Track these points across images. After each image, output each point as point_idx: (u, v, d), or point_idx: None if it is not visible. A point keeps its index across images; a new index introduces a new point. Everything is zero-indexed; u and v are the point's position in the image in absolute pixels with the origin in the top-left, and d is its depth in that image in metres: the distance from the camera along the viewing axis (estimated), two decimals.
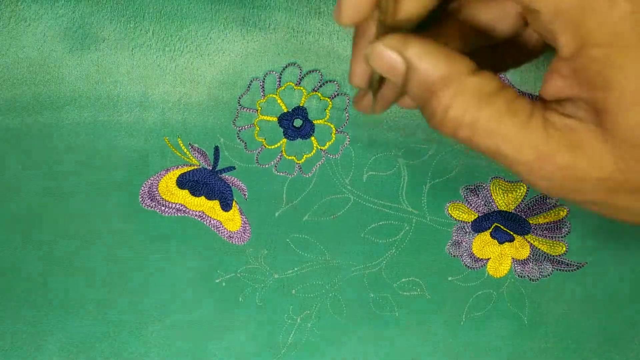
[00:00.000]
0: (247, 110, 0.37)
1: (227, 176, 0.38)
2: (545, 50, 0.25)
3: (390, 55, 0.21)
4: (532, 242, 0.40)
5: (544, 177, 0.21)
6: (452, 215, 0.39)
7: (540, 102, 0.22)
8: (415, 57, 0.21)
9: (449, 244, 0.39)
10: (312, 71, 0.36)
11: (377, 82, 0.24)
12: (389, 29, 0.21)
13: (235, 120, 0.37)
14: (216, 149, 0.37)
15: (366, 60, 0.22)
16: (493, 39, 0.24)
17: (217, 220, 0.38)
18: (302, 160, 0.37)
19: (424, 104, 0.22)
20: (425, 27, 0.23)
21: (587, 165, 0.21)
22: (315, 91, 0.36)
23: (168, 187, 0.38)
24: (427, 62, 0.21)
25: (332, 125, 0.37)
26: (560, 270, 0.40)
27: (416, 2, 0.21)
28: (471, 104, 0.21)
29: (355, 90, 0.29)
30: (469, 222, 0.39)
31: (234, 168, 0.37)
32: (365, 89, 0.24)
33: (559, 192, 0.22)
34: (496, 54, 0.25)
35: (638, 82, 0.20)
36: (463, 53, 0.22)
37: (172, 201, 0.38)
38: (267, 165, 0.38)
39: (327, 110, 0.36)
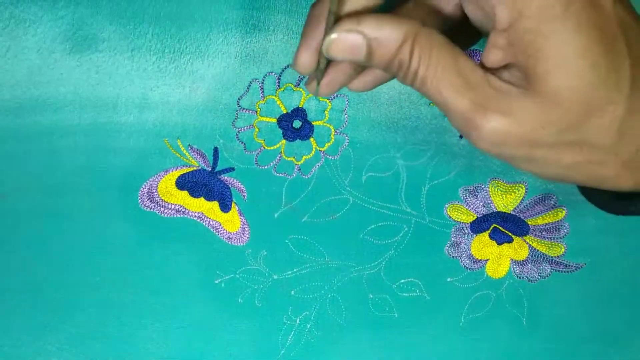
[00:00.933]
0: (247, 112, 0.37)
1: (226, 177, 0.38)
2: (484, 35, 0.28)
3: (349, 37, 0.24)
4: (530, 243, 0.40)
5: (476, 127, 0.24)
6: (451, 216, 0.39)
7: (481, 65, 0.24)
8: (374, 28, 0.23)
9: (448, 245, 0.39)
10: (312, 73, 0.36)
11: (322, 70, 0.26)
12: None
13: (234, 121, 0.37)
14: (215, 150, 0.37)
15: (325, 52, 0.24)
16: (442, 23, 0.27)
17: (217, 221, 0.38)
18: (302, 161, 0.37)
19: (390, 63, 0.24)
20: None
21: (515, 121, 0.23)
22: None
23: (167, 188, 0.38)
24: (386, 28, 0.23)
25: (331, 127, 0.37)
26: (558, 271, 0.40)
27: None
28: (424, 50, 0.23)
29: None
30: (467, 223, 0.39)
31: (233, 169, 0.38)
32: (314, 74, 0.27)
33: (487, 145, 0.24)
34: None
35: (562, 49, 0.22)
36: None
37: (172, 202, 0.38)
38: (266, 167, 0.38)
39: (326, 112, 0.36)
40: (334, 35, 0.24)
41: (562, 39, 0.22)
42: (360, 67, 0.27)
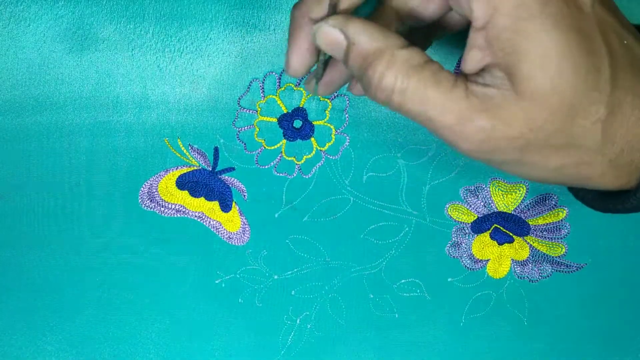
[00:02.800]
0: (247, 111, 0.37)
1: (226, 177, 0.38)
2: (462, 28, 0.28)
3: (333, 32, 0.24)
4: (531, 243, 0.40)
5: (465, 139, 0.24)
6: (452, 216, 0.39)
7: (462, 75, 0.24)
8: (355, 33, 0.24)
9: (449, 245, 0.39)
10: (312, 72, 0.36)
11: (321, 70, 0.26)
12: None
13: (235, 121, 0.37)
14: (216, 149, 0.37)
15: (313, 38, 0.25)
16: (423, 20, 0.27)
17: (217, 221, 0.38)
18: (302, 161, 0.37)
19: (362, 74, 0.24)
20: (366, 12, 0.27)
21: (502, 126, 0.23)
22: None
23: (168, 187, 0.38)
24: (364, 36, 0.24)
25: (331, 126, 0.37)
26: (559, 271, 0.40)
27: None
28: (401, 73, 0.23)
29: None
30: (468, 223, 0.39)
31: (233, 169, 0.37)
32: (312, 72, 0.27)
33: (477, 153, 0.24)
34: (425, 33, 0.28)
35: (542, 48, 0.22)
36: (398, 33, 0.25)
37: (172, 202, 0.38)
38: (266, 166, 0.38)
39: (326, 111, 0.36)
40: (321, 26, 0.24)
41: (540, 38, 0.22)
42: None
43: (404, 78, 0.23)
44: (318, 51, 0.26)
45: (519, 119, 0.23)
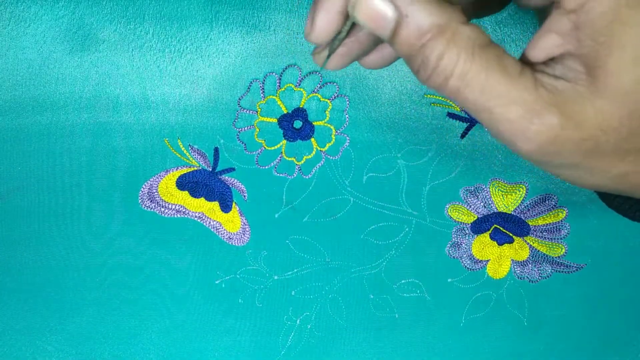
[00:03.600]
0: (247, 112, 0.37)
1: (226, 177, 0.38)
2: (505, 5, 0.25)
3: (379, 4, 0.20)
4: (531, 243, 0.40)
5: (527, 137, 0.21)
6: (452, 216, 0.39)
7: (528, 64, 0.21)
8: (408, 4, 0.20)
9: (449, 245, 0.39)
10: (312, 73, 0.36)
11: (342, 39, 0.23)
12: None
13: (235, 121, 0.37)
14: (216, 150, 0.37)
15: (350, 8, 0.21)
16: None
17: (217, 222, 0.38)
18: (302, 161, 0.37)
19: (414, 55, 0.21)
20: None
21: (572, 126, 0.20)
22: (315, 92, 0.36)
23: (168, 188, 0.38)
24: (420, 9, 0.20)
25: (332, 127, 0.37)
26: (559, 271, 0.40)
27: None
28: (464, 53, 0.20)
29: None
30: (468, 224, 0.39)
31: (233, 169, 0.37)
32: (324, 46, 0.23)
33: (538, 155, 0.21)
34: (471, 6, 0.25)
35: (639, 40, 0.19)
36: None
37: (172, 202, 0.38)
38: (267, 167, 0.38)
39: (327, 112, 0.36)
40: None
41: None
42: (379, 41, 0.24)
43: (467, 59, 0.20)
44: (345, 20, 0.22)
45: (591, 118, 0.20)
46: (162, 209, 0.38)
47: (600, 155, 0.21)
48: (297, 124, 0.37)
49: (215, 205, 0.38)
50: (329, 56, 0.23)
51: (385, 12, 0.20)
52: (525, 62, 0.21)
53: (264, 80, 0.36)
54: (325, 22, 0.22)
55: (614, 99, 0.20)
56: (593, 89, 0.20)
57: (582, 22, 0.20)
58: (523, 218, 0.39)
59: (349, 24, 0.22)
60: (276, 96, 0.36)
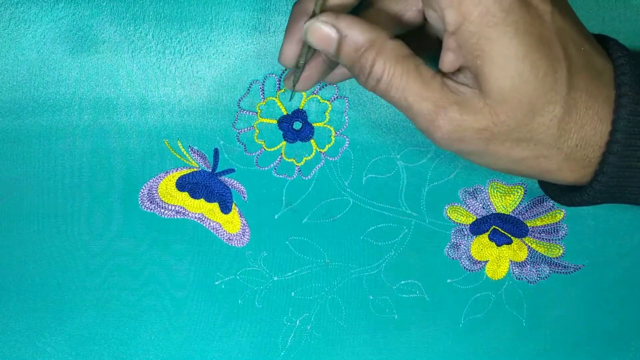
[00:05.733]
0: (247, 113, 0.37)
1: (226, 178, 0.38)
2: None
3: (325, 28, 0.27)
4: (529, 244, 0.40)
5: (438, 126, 0.26)
6: (451, 217, 0.39)
7: (440, 72, 0.27)
8: (346, 26, 0.26)
9: (448, 246, 0.39)
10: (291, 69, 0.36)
11: (302, 65, 0.29)
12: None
13: (234, 122, 0.37)
14: (216, 151, 0.37)
15: (304, 35, 0.27)
16: (403, 27, 0.30)
17: (217, 223, 0.38)
18: (302, 162, 0.38)
19: (353, 64, 0.27)
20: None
21: (470, 119, 0.26)
22: (315, 94, 0.36)
23: (167, 189, 0.38)
24: (355, 29, 0.26)
25: (331, 128, 0.37)
26: (557, 272, 0.40)
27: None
28: (389, 62, 0.26)
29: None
30: (467, 225, 0.39)
31: (233, 170, 0.38)
32: (293, 69, 0.30)
33: (448, 141, 0.27)
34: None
35: (503, 52, 0.25)
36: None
37: (172, 203, 0.38)
38: (266, 168, 0.38)
39: (326, 113, 0.37)
40: (313, 22, 0.27)
41: (503, 43, 0.25)
42: (333, 64, 0.31)
43: (391, 66, 0.26)
44: (303, 49, 0.29)
45: (484, 113, 0.26)
46: (162, 210, 0.38)
47: (497, 142, 0.27)
48: (297, 125, 0.37)
49: (215, 206, 0.38)
50: (296, 79, 0.30)
51: (330, 34, 0.27)
52: (441, 72, 0.27)
53: (264, 82, 0.36)
54: (289, 48, 0.29)
55: (496, 98, 0.25)
56: (481, 91, 0.26)
57: (461, 42, 0.25)
58: (521, 219, 0.39)
59: (306, 50, 0.29)
60: (276, 97, 0.37)
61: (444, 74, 0.27)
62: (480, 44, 0.25)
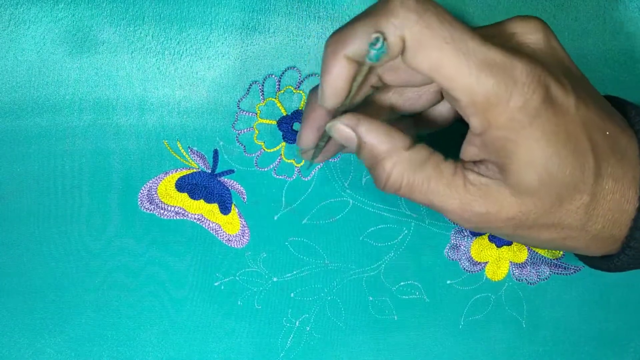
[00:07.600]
0: (247, 114, 0.37)
1: (226, 179, 0.38)
2: (453, 123, 0.32)
3: (347, 131, 0.27)
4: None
5: (466, 220, 0.28)
6: None
7: (461, 162, 0.28)
8: (365, 133, 0.27)
9: (448, 247, 0.39)
10: (312, 75, 0.36)
11: (322, 146, 0.30)
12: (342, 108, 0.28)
13: (234, 123, 0.37)
14: (215, 152, 0.37)
15: (328, 130, 0.28)
16: (412, 111, 0.31)
17: (216, 224, 0.38)
18: (301, 163, 0.38)
19: (371, 169, 0.28)
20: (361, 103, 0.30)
21: (496, 211, 0.27)
22: None
23: (167, 190, 0.38)
24: (373, 137, 0.27)
25: None
26: (557, 273, 0.40)
27: (364, 90, 0.29)
28: (407, 171, 0.27)
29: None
30: None
31: (233, 171, 0.38)
32: (311, 148, 0.31)
33: (477, 230, 0.29)
34: (417, 121, 0.32)
35: (530, 154, 0.26)
36: (391, 119, 0.30)
37: (171, 204, 0.38)
38: (266, 169, 0.38)
39: None
40: (336, 124, 0.28)
41: (529, 145, 0.25)
42: None
43: (410, 175, 0.27)
44: (324, 135, 0.30)
45: (511, 204, 0.27)
46: (162, 211, 0.38)
47: (526, 228, 0.28)
48: (297, 126, 0.37)
49: (214, 207, 0.38)
50: (316, 155, 0.31)
51: (350, 136, 0.28)
52: (461, 160, 0.28)
53: (264, 83, 0.36)
54: (308, 135, 0.30)
55: (523, 191, 0.26)
56: (507, 184, 0.26)
57: (487, 142, 0.26)
58: None
59: (326, 136, 0.30)
60: (276, 98, 0.37)
61: (464, 163, 0.28)
62: (507, 146, 0.26)
